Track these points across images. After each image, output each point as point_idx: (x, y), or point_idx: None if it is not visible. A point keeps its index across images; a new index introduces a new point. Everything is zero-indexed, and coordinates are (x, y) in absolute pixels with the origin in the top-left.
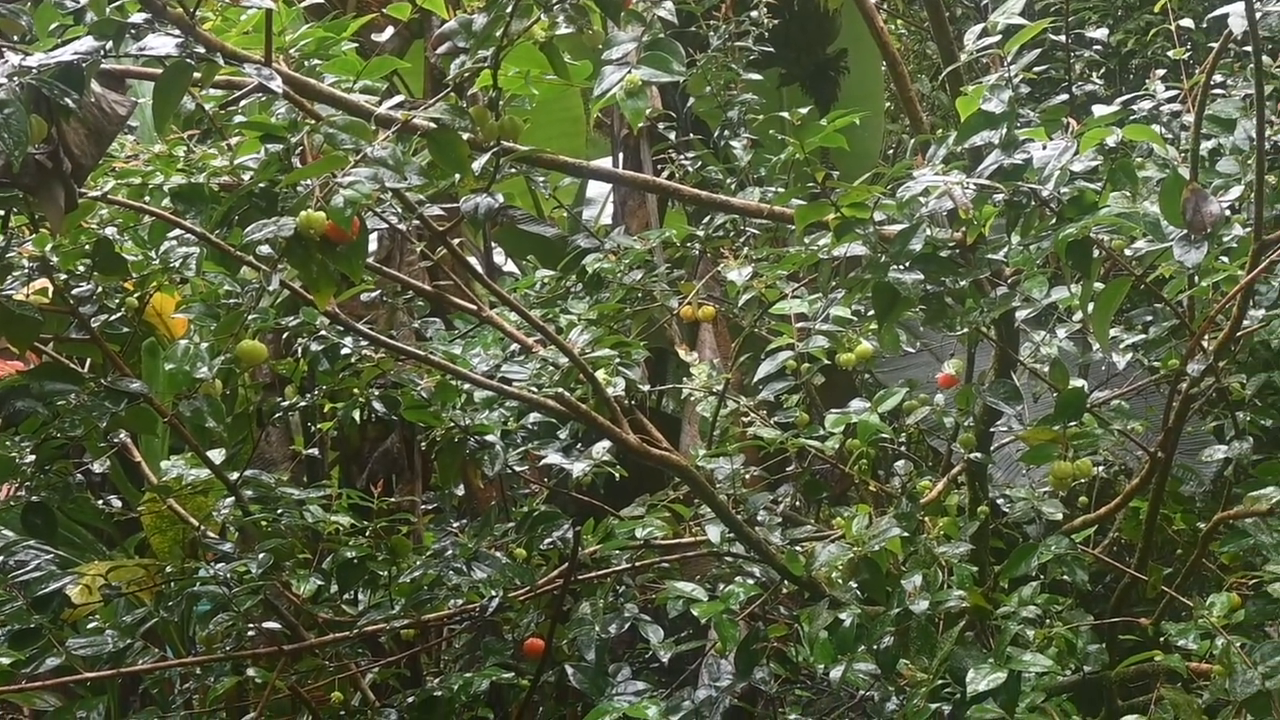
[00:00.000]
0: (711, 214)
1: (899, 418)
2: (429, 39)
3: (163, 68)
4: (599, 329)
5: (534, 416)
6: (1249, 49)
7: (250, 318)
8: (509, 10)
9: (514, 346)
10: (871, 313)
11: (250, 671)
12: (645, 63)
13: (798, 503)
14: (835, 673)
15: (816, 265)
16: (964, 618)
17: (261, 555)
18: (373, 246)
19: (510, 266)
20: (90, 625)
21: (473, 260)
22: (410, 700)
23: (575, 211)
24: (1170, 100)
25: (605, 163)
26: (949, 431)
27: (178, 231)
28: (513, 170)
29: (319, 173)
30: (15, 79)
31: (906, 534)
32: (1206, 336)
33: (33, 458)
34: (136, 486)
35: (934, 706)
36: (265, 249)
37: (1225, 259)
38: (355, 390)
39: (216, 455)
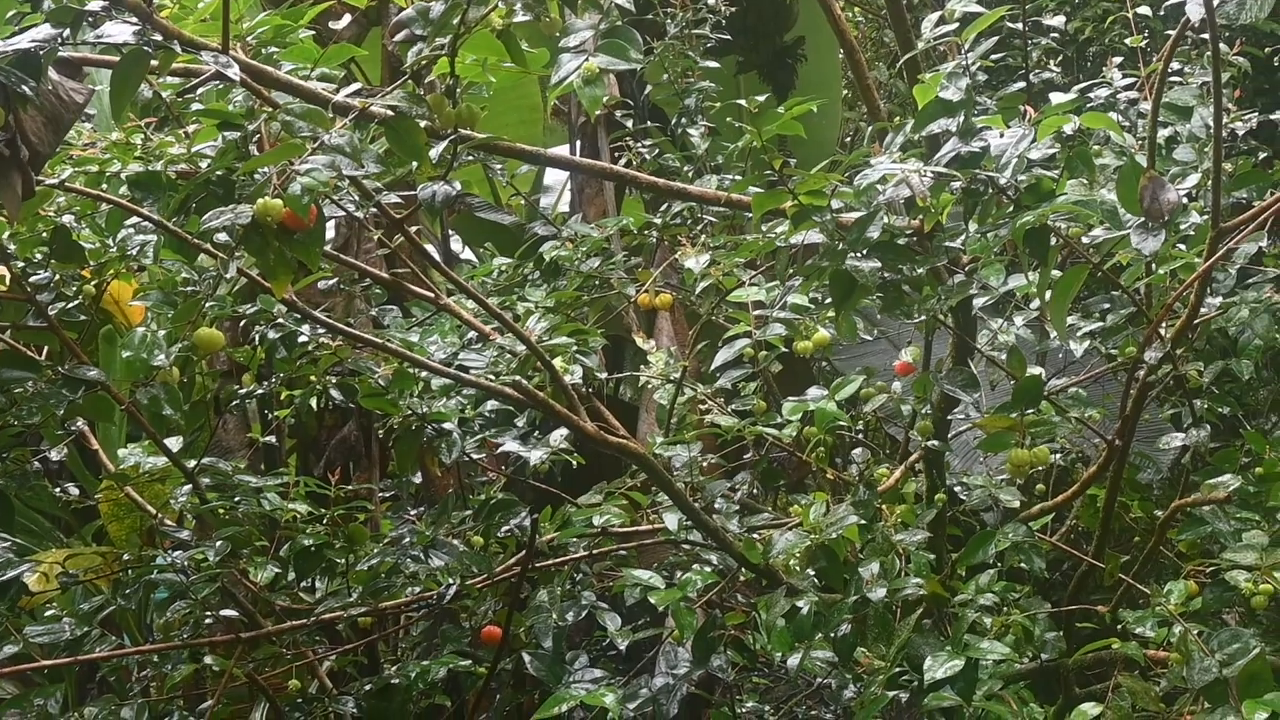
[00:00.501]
0: (669, 202)
1: (856, 405)
2: (386, 26)
3: (120, 55)
4: (556, 316)
5: (491, 404)
6: (1206, 36)
7: (208, 305)
8: None
9: (471, 334)
10: (829, 300)
11: (208, 659)
12: (603, 50)
13: (755, 490)
14: (793, 660)
15: (774, 253)
16: (921, 605)
17: (219, 543)
18: (330, 234)
19: (468, 254)
20: (48, 613)
21: (430, 248)
22: (368, 688)
23: (533, 199)
24: (1127, 88)
25: (563, 150)
26: (906, 419)
27: (135, 219)
28: (470, 158)
29: (276, 160)
30: None
31: (864, 521)
32: (1164, 324)
33: None
34: (94, 474)
35: (891, 694)
36: (223, 236)
37: (1183, 246)
38: (313, 378)
39: (174, 443)
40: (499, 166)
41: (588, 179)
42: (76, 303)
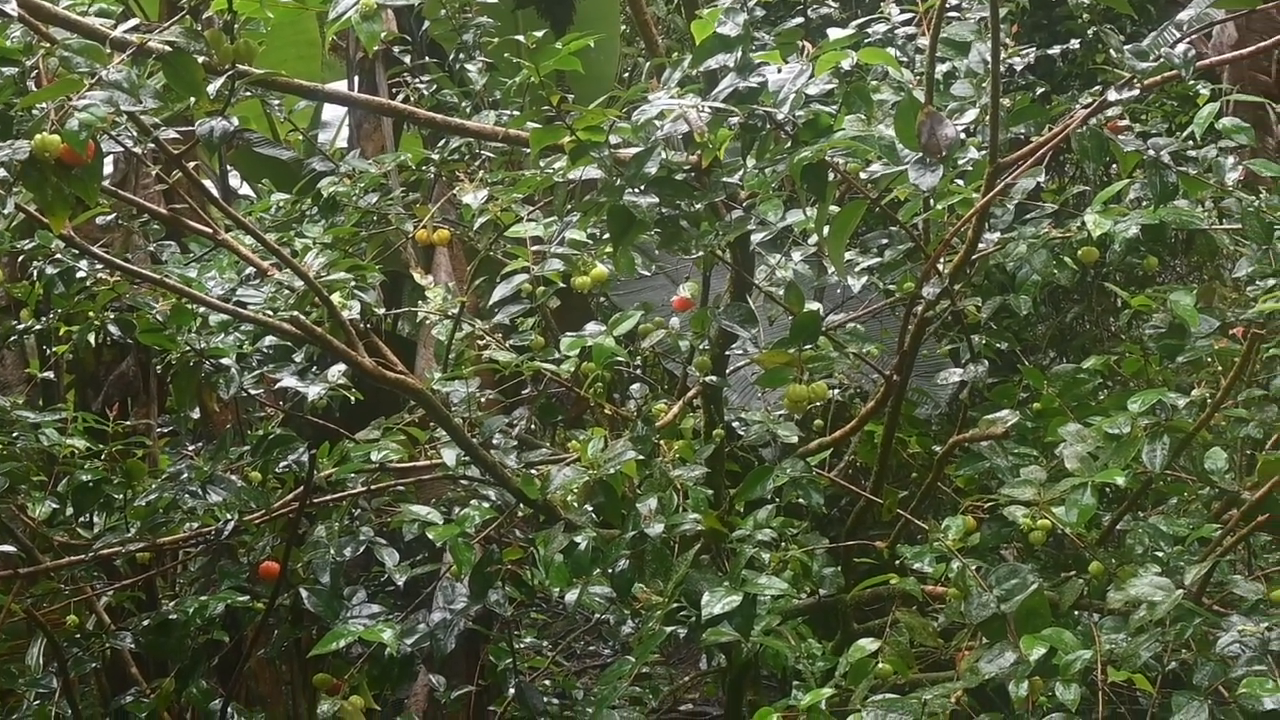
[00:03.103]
0: (447, 137)
1: (634, 341)
2: None
3: None
4: (334, 252)
5: (269, 340)
6: None
7: None
8: None
9: (249, 270)
10: (607, 236)
11: None
12: None
13: (533, 426)
14: (570, 596)
15: (552, 188)
16: (699, 541)
17: None
18: (108, 170)
19: (246, 190)
20: None
21: (208, 184)
22: (146, 623)
23: (311, 135)
24: (905, 23)
25: (341, 86)
26: (684, 355)
27: None
28: (248, 93)
29: (54, 96)
30: None
31: (642, 457)
32: (942, 259)
33: None
34: None
35: (669, 629)
36: (0, 172)
37: (960, 182)
38: (91, 313)
39: None
40: (277, 102)
41: (366, 115)
42: None
